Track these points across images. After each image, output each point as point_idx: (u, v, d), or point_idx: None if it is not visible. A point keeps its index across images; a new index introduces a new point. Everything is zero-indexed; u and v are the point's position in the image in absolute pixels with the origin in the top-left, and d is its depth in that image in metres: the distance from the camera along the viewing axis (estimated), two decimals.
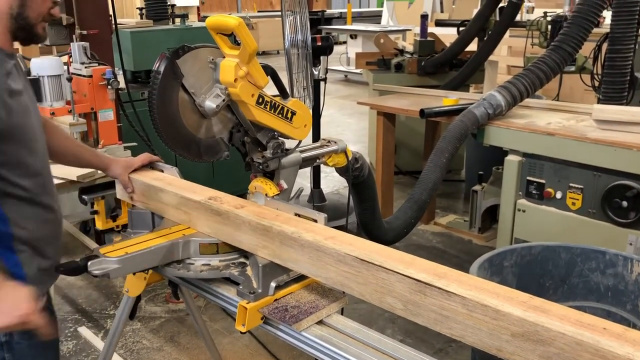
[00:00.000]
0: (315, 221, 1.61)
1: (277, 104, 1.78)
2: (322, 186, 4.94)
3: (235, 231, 1.65)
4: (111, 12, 3.66)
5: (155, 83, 1.68)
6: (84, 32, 3.52)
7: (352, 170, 2.23)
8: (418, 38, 5.72)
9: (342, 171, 2.23)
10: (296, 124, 1.84)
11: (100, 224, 2.37)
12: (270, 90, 1.81)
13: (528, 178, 3.27)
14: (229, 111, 1.81)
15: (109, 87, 3.05)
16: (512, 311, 1.13)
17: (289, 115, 1.82)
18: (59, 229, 1.68)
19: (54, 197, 1.64)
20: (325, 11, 16.99)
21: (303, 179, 5.25)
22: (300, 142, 1.94)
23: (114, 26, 3.67)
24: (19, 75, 1.51)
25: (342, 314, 1.60)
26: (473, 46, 5.38)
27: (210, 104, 1.72)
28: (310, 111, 1.97)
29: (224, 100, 1.72)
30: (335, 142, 2.11)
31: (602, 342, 1.04)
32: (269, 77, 1.76)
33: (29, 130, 1.51)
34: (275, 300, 1.58)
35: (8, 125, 1.42)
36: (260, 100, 1.73)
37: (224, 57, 1.69)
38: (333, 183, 5.79)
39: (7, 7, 1.46)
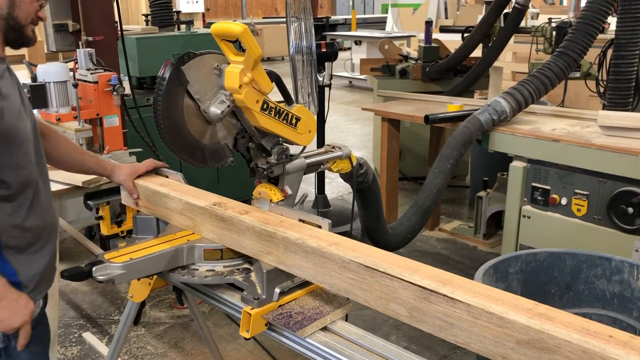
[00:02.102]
0: (320, 227, 1.61)
1: (281, 110, 1.79)
2: (326, 192, 4.94)
3: (239, 237, 1.65)
4: (117, 19, 3.68)
5: (160, 89, 1.68)
6: (90, 38, 3.54)
7: (357, 176, 2.23)
8: (422, 44, 5.72)
9: (346, 177, 2.23)
10: (300, 129, 1.85)
11: (105, 230, 2.37)
12: (275, 96, 1.81)
13: (533, 184, 3.26)
14: (234, 117, 1.82)
15: (115, 93, 3.06)
16: (517, 318, 1.12)
17: (294, 121, 1.83)
18: (52, 234, 1.66)
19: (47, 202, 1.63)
20: (329, 17, 17.03)
21: (307, 185, 5.25)
22: (304, 147, 1.94)
23: (119, 32, 3.69)
24: (10, 80, 1.51)
25: (346, 320, 1.60)
26: (478, 52, 5.38)
27: (215, 110, 1.72)
28: (315, 117, 1.97)
29: (228, 107, 1.72)
30: (340, 148, 2.11)
31: (608, 350, 1.03)
32: (273, 83, 1.76)
33: (21, 133, 1.50)
34: (280, 306, 1.58)
35: (1, 127, 1.41)
36: (265, 106, 1.73)
37: (229, 63, 1.69)
38: (337, 189, 5.79)
39: None
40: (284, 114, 1.79)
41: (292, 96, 3.67)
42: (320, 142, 4.39)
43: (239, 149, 1.88)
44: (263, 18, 18.78)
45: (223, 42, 1.65)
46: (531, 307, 1.16)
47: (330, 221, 1.61)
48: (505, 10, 5.07)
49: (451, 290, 1.22)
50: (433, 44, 5.62)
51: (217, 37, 1.64)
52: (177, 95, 1.70)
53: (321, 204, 4.80)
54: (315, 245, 1.46)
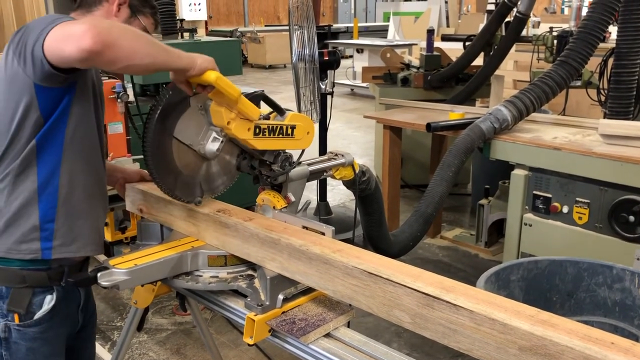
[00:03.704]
0: (323, 234, 1.62)
1: (274, 126, 1.76)
2: (328, 199, 4.95)
3: (243, 243, 1.67)
4: None
5: (150, 124, 1.63)
6: None
7: (359, 184, 2.24)
8: (424, 52, 5.75)
9: (349, 184, 2.24)
10: (298, 135, 1.84)
11: (109, 236, 2.39)
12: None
13: (534, 192, 3.27)
14: (231, 143, 1.81)
15: (119, 100, 3.09)
16: (520, 325, 1.13)
17: (290, 131, 1.81)
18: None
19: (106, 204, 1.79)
20: (332, 26, 17.10)
21: (309, 192, 5.25)
22: (303, 150, 1.93)
23: None
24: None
25: (348, 326, 1.61)
26: (479, 61, 5.41)
27: (211, 147, 1.71)
28: (311, 119, 1.94)
29: (222, 142, 1.71)
30: (343, 156, 2.12)
31: (609, 357, 1.04)
32: (261, 104, 1.76)
33: (97, 136, 1.67)
34: (283, 312, 1.59)
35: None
36: (257, 130, 1.71)
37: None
38: (339, 196, 5.80)
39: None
40: (278, 129, 1.78)
41: (295, 104, 3.65)
42: (323, 149, 4.40)
43: (242, 170, 1.88)
44: (265, 26, 18.85)
45: (200, 86, 1.60)
46: (534, 314, 1.17)
47: (333, 228, 1.62)
48: (507, 19, 5.10)
49: (454, 297, 1.23)
50: (435, 53, 5.65)
51: (193, 83, 1.59)
52: (166, 143, 1.67)
53: (323, 211, 4.82)
54: (318, 252, 1.47)
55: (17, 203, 1.54)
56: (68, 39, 1.32)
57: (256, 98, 1.75)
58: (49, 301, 1.62)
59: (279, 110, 1.82)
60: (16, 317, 1.58)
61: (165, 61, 1.45)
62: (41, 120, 1.50)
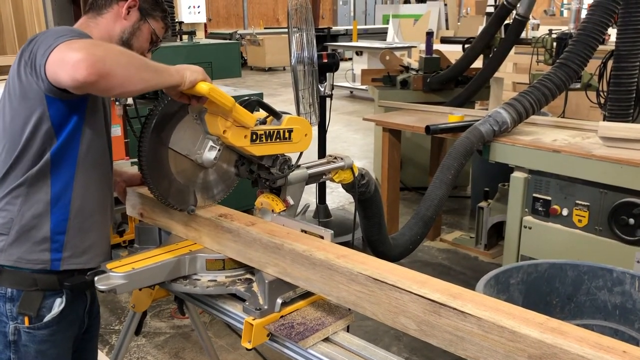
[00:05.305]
0: (322, 237, 1.61)
1: (271, 131, 1.75)
2: (327, 202, 4.94)
3: (246, 248, 1.65)
4: None
5: (146, 133, 1.63)
6: None
7: (359, 187, 2.23)
8: (423, 55, 5.75)
9: (348, 187, 2.23)
10: (296, 138, 1.83)
11: None
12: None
13: (534, 195, 3.27)
14: (228, 150, 1.80)
15: (117, 103, 3.07)
16: (529, 333, 1.11)
17: (287, 134, 1.80)
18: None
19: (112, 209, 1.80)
20: (331, 28, 17.11)
21: (308, 195, 5.25)
22: (302, 153, 1.93)
23: None
24: None
25: (347, 330, 1.60)
26: (478, 63, 5.40)
27: (208, 156, 1.70)
28: (309, 121, 1.92)
29: (219, 150, 1.70)
30: (342, 159, 2.11)
31: None
32: (257, 110, 1.75)
33: (107, 148, 1.70)
34: (282, 316, 1.58)
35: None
36: (254, 137, 1.71)
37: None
38: (339, 199, 5.80)
39: (120, 31, 1.68)
40: (275, 133, 1.77)
41: (294, 106, 3.64)
42: (322, 152, 4.40)
43: (242, 175, 1.87)
44: (265, 28, 18.86)
45: (194, 98, 1.60)
46: (543, 321, 1.15)
47: (332, 232, 1.61)
48: (506, 22, 5.10)
49: (462, 303, 1.21)
50: (434, 55, 5.64)
51: (187, 94, 1.58)
52: (162, 152, 1.67)
53: (322, 214, 4.80)
54: (322, 257, 1.45)
55: (30, 213, 1.56)
56: (64, 66, 1.33)
57: (251, 104, 1.74)
58: (58, 304, 1.63)
59: (275, 114, 1.81)
60: (26, 319, 1.60)
61: (157, 82, 1.47)
62: (52, 131, 1.52)
